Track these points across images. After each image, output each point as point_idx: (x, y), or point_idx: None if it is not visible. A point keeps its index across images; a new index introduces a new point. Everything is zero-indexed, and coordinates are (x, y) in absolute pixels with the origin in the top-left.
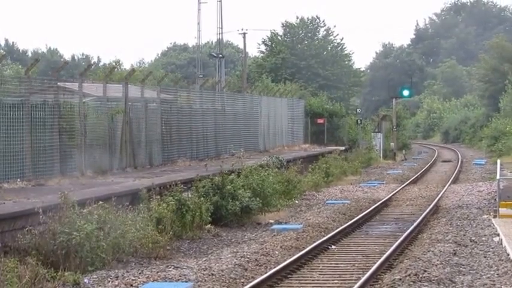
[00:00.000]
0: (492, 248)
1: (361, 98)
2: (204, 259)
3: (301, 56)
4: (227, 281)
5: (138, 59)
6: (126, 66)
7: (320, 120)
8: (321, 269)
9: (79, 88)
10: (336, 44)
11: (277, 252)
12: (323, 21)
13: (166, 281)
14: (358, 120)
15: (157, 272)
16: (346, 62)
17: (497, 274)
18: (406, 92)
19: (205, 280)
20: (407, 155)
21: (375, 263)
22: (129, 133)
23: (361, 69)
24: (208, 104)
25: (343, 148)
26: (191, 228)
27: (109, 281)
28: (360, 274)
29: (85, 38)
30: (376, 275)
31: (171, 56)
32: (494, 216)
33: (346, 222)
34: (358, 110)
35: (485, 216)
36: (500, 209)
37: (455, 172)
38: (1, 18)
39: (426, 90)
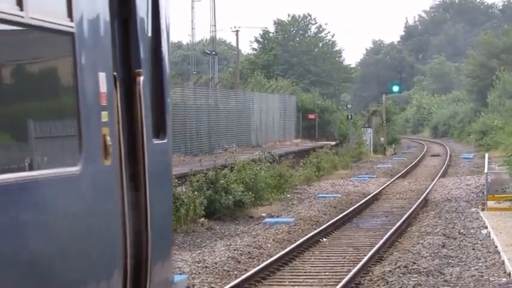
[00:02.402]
0: (480, 241)
1: (352, 94)
2: (198, 252)
3: (292, 53)
4: (220, 274)
5: None
6: None
7: (311, 116)
8: (312, 261)
9: None
10: (327, 41)
11: (269, 245)
12: (314, 18)
13: None
14: (349, 116)
15: None
16: (337, 59)
17: (485, 266)
18: (395, 88)
19: (199, 272)
20: (397, 149)
21: (366, 255)
22: None
23: (352, 66)
24: (202, 100)
25: (334, 143)
26: (185, 222)
27: None
28: (350, 266)
29: None
30: (367, 267)
31: None
32: (482, 209)
33: (337, 216)
34: (348, 105)
35: (473, 209)
36: (488, 202)
37: (444, 166)
38: None
39: (415, 86)
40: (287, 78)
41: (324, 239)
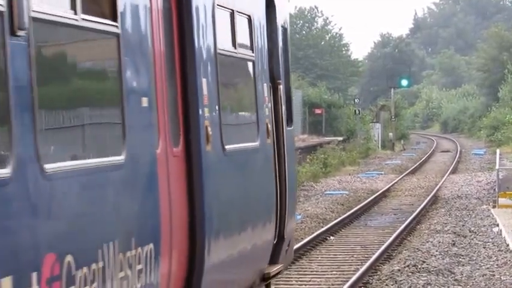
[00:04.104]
0: (491, 239)
1: (360, 88)
2: None
3: (299, 46)
4: None
5: None
6: None
7: (318, 111)
8: (319, 260)
9: None
10: (333, 34)
11: None
12: (321, 11)
13: None
14: (356, 111)
15: None
16: (344, 52)
17: (497, 265)
18: (404, 82)
19: None
20: (405, 145)
21: (374, 253)
22: None
23: (359, 60)
24: None
25: (341, 138)
26: None
27: None
28: (358, 265)
29: None
30: (375, 266)
31: None
32: (494, 207)
33: (345, 213)
34: (356, 100)
35: (484, 207)
36: (499, 199)
37: (454, 162)
38: None
39: (424, 80)
40: (293, 72)
41: (331, 237)
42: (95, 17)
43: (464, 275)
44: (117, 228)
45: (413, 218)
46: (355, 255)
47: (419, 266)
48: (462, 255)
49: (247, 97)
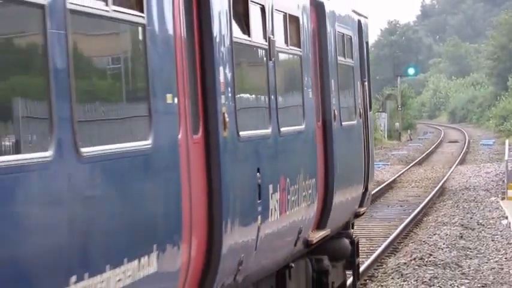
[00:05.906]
0: (500, 231)
1: None
2: None
3: None
4: None
5: None
6: None
7: None
8: None
9: None
10: None
11: None
12: None
13: None
14: None
15: None
16: None
17: (505, 258)
18: (411, 70)
19: None
20: (412, 135)
21: (379, 246)
22: None
23: None
24: None
25: None
26: None
27: None
28: (364, 258)
29: None
30: (381, 259)
31: None
32: (503, 199)
33: None
34: None
35: (493, 199)
36: (508, 190)
37: (462, 153)
38: None
39: (432, 68)
40: None
41: None
42: (292, 47)
43: (472, 268)
44: (303, 166)
45: (420, 210)
46: (360, 248)
47: (425, 259)
48: (470, 248)
49: (350, 90)
